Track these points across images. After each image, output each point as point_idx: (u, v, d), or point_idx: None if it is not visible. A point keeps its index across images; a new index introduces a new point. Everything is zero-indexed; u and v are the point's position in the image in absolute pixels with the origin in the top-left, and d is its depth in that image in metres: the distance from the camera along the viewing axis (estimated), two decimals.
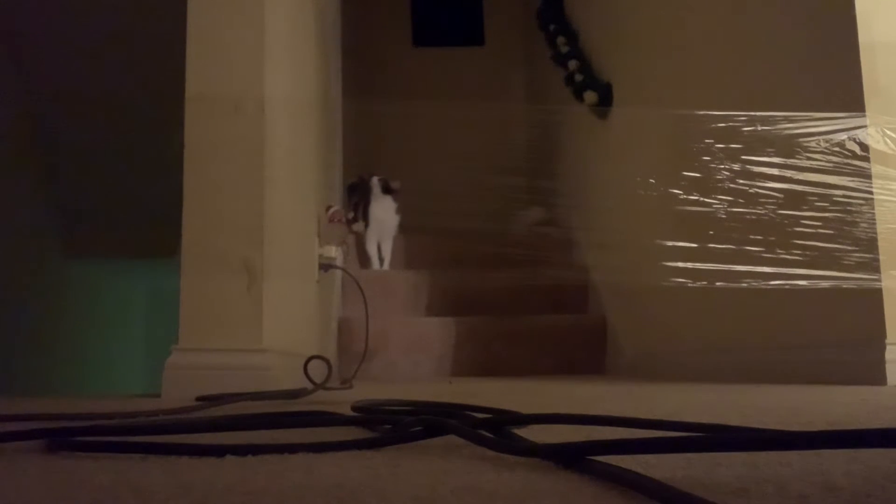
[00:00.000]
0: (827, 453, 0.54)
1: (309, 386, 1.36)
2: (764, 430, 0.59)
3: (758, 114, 1.71)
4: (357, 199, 3.20)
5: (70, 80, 3.32)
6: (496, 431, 0.66)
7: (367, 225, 3.10)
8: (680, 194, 2.00)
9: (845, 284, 1.46)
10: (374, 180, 3.10)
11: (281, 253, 1.79)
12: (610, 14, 2.86)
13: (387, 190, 3.07)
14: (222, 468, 0.54)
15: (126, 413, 1.01)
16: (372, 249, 3.10)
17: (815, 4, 1.59)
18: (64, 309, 3.95)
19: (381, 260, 3.12)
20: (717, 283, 1.82)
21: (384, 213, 3.09)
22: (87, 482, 0.50)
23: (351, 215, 3.15)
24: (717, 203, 1.85)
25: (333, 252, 2.41)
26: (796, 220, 1.59)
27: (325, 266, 2.37)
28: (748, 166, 1.74)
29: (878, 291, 1.39)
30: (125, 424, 0.88)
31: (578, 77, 2.96)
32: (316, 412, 0.96)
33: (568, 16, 3.36)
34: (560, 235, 3.24)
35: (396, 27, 4.59)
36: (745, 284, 1.72)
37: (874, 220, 1.42)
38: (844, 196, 1.48)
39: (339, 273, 2.73)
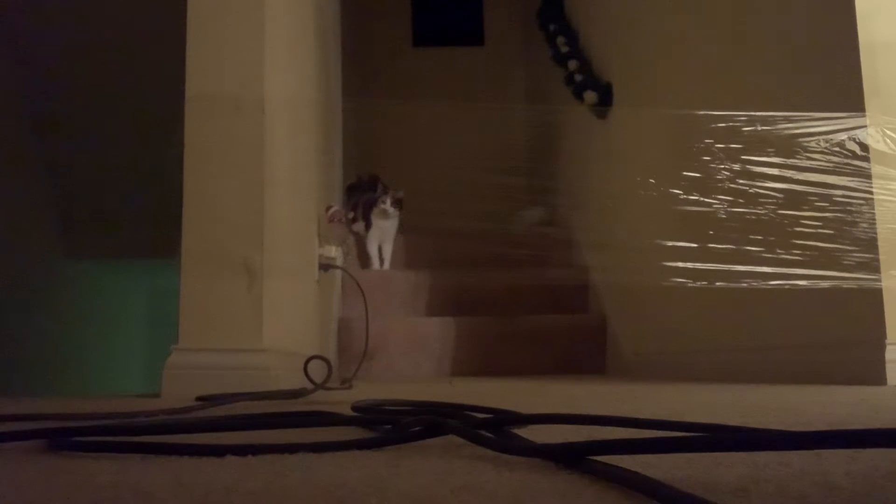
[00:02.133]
0: (827, 453, 0.54)
1: (309, 386, 1.36)
2: (764, 430, 0.59)
3: (758, 114, 1.71)
4: (357, 198, 3.20)
5: (70, 79, 3.32)
6: (496, 431, 0.66)
7: (368, 227, 3.10)
8: (680, 194, 2.00)
9: (845, 284, 1.46)
10: (386, 199, 3.08)
11: (281, 253, 1.79)
12: (610, 13, 2.86)
13: (395, 204, 3.08)
14: (222, 468, 0.54)
15: (126, 413, 1.01)
16: (373, 250, 3.11)
17: (816, 4, 1.59)
18: (64, 309, 3.95)
19: (382, 260, 3.12)
20: (717, 283, 1.82)
21: (386, 219, 3.09)
22: (87, 482, 0.50)
23: (351, 215, 3.15)
24: (717, 203, 1.85)
25: (333, 252, 2.42)
26: (796, 220, 1.59)
27: (325, 266, 2.37)
28: (748, 166, 1.74)
29: (878, 291, 1.39)
30: (125, 424, 0.88)
31: (578, 77, 2.96)
32: (316, 412, 0.96)
33: (568, 16, 3.36)
34: (560, 235, 3.24)
35: (396, 27, 4.59)
36: (745, 284, 1.72)
37: (874, 220, 1.42)
38: (844, 196, 1.48)
39: (339, 273, 2.73)
